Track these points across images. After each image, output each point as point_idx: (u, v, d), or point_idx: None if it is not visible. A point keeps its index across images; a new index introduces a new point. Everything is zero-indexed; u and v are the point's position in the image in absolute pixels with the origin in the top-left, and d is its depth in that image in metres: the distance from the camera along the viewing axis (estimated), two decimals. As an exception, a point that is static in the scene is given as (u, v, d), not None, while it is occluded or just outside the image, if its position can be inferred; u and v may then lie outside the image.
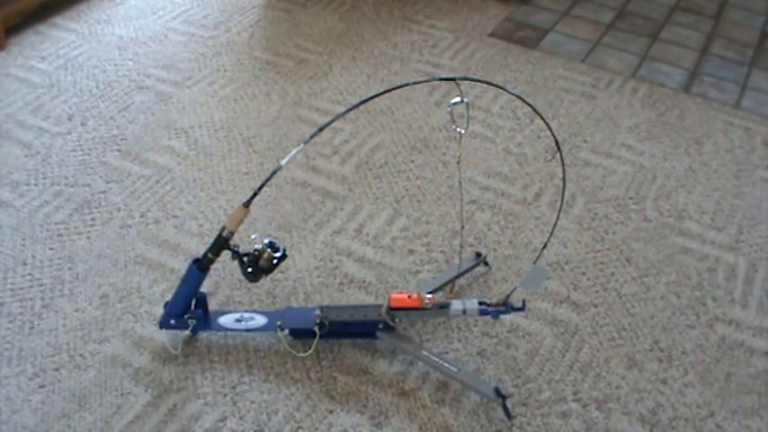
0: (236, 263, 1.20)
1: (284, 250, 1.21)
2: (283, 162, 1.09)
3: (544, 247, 1.34)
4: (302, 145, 1.12)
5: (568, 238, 1.60)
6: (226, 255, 1.20)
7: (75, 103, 1.91)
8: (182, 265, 1.44)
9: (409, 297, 1.27)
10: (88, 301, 1.39)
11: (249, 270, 1.19)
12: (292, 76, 2.08)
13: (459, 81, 1.09)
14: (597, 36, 2.43)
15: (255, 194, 1.13)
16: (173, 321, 1.29)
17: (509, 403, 1.23)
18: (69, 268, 1.45)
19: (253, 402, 1.23)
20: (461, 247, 1.52)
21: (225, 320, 1.31)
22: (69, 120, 1.85)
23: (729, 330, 1.43)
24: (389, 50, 2.24)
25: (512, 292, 1.27)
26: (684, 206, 1.73)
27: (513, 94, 1.20)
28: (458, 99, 1.10)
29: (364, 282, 1.47)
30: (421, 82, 1.28)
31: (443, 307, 1.27)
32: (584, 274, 1.52)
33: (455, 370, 1.25)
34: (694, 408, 1.28)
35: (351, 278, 1.47)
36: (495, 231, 1.61)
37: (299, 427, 1.20)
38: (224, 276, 1.45)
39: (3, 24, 2.10)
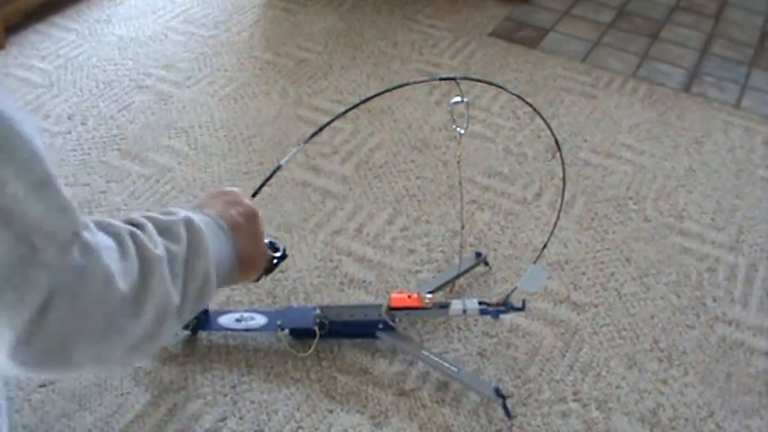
0: (236, 263, 1.19)
1: (284, 250, 1.20)
2: (283, 161, 1.09)
3: (544, 246, 1.34)
4: (302, 144, 1.12)
5: (568, 238, 1.60)
6: (226, 254, 1.20)
7: (74, 102, 1.91)
8: (182, 265, 1.44)
9: (409, 297, 1.27)
10: (88, 301, 1.39)
11: (249, 270, 1.19)
12: (292, 76, 2.08)
13: (459, 80, 1.09)
14: (597, 36, 2.43)
15: (255, 194, 1.13)
16: (173, 321, 1.28)
17: (509, 403, 1.23)
18: (69, 268, 1.45)
19: (253, 402, 1.23)
20: (461, 246, 1.52)
21: (225, 320, 1.31)
22: (69, 119, 1.85)
23: (729, 330, 1.43)
24: (389, 50, 2.23)
25: (512, 292, 1.27)
26: (684, 206, 1.73)
27: (513, 93, 1.20)
28: (458, 99, 1.10)
29: (364, 281, 1.47)
30: (421, 82, 1.28)
31: (443, 307, 1.27)
32: (584, 273, 1.52)
33: (455, 370, 1.25)
34: (694, 408, 1.28)
35: (351, 278, 1.47)
36: (495, 231, 1.61)
37: (299, 427, 1.20)
38: (224, 276, 1.45)
39: (3, 23, 2.10)
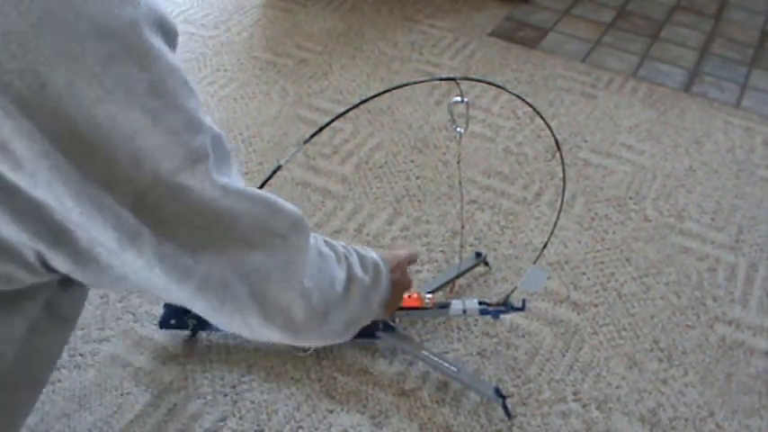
0: (236, 263, 1.19)
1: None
2: (283, 161, 1.09)
3: (544, 246, 1.34)
4: (302, 144, 1.12)
5: (568, 238, 1.60)
6: (226, 254, 1.20)
7: (74, 102, 1.91)
8: (182, 265, 1.44)
9: (409, 297, 1.27)
10: (88, 301, 1.38)
11: (249, 270, 1.19)
12: (292, 76, 2.08)
13: (459, 81, 1.09)
14: (597, 36, 2.43)
15: (255, 194, 1.13)
16: (173, 321, 1.29)
17: (509, 403, 1.23)
18: (69, 268, 1.45)
19: (253, 402, 1.23)
20: (461, 246, 1.52)
21: (225, 320, 1.31)
22: (69, 119, 1.84)
23: (729, 330, 1.43)
24: (389, 50, 2.24)
25: (512, 291, 1.27)
26: (684, 206, 1.73)
27: (513, 93, 1.20)
28: (458, 99, 1.10)
29: (364, 281, 1.46)
30: (421, 82, 1.28)
31: (443, 307, 1.27)
32: (584, 273, 1.52)
33: (455, 370, 1.25)
34: (694, 407, 1.28)
35: (351, 278, 1.47)
36: (495, 231, 1.61)
37: (299, 427, 1.20)
38: (224, 276, 1.45)
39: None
